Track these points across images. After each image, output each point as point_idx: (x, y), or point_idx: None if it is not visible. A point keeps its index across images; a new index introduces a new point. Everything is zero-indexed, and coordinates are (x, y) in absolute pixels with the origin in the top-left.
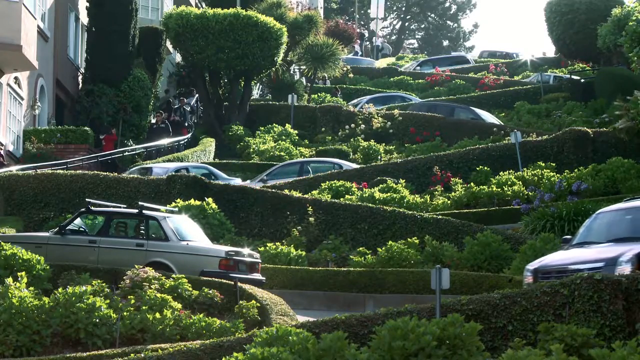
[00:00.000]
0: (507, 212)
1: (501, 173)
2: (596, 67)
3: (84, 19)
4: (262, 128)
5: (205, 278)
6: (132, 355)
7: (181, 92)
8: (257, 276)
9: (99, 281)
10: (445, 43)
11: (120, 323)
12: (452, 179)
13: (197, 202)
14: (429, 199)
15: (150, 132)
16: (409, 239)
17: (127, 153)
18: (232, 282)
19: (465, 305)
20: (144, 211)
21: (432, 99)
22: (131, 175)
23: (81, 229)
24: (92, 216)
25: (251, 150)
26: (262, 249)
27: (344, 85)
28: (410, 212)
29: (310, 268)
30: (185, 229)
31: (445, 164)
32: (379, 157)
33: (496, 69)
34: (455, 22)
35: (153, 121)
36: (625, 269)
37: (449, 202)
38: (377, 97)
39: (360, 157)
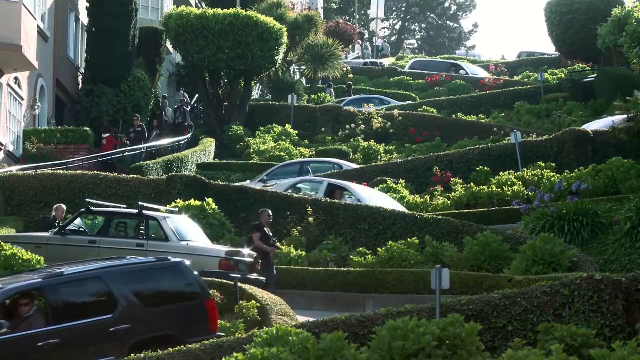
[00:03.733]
0: (507, 213)
1: (501, 173)
2: (596, 67)
3: (84, 19)
4: (262, 128)
5: (205, 278)
6: (132, 355)
7: (183, 91)
8: (257, 276)
9: None
10: (446, 43)
11: None
12: (452, 179)
13: (198, 203)
14: (429, 199)
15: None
16: (409, 239)
17: (127, 154)
18: (232, 283)
19: (465, 305)
20: (144, 211)
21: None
22: (132, 176)
23: (81, 229)
24: (92, 216)
25: (251, 150)
26: None
27: (344, 85)
28: (410, 213)
29: (311, 268)
30: (185, 229)
31: (445, 164)
32: (379, 158)
33: (496, 69)
34: (456, 22)
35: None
36: None
37: (449, 202)
38: (356, 99)
39: (360, 157)
